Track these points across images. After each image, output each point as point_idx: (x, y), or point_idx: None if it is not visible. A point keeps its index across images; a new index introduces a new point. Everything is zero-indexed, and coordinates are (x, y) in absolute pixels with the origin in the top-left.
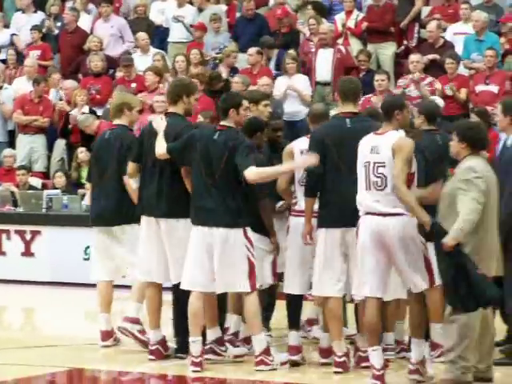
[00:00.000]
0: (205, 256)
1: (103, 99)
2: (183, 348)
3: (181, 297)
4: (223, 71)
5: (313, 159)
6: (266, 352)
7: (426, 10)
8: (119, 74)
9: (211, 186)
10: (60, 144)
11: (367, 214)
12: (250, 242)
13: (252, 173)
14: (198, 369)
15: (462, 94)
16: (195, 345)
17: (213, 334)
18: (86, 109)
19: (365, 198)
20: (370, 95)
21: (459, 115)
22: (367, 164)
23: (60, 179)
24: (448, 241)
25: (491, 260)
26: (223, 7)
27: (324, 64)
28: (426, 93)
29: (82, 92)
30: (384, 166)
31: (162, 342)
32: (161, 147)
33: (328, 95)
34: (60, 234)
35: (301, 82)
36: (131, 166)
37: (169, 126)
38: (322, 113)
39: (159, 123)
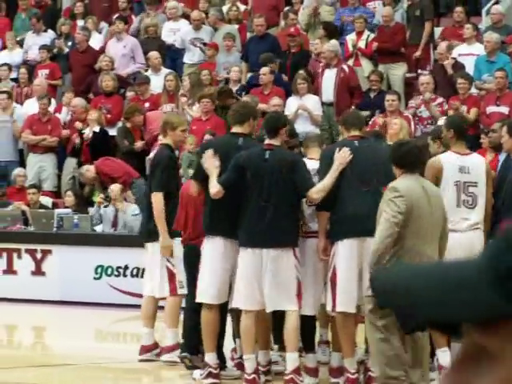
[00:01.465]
0: (256, 277)
1: (114, 118)
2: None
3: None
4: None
5: (347, 153)
6: (297, 371)
7: (437, 32)
8: (130, 94)
9: (263, 207)
10: (70, 163)
11: (453, 231)
12: (299, 261)
13: (316, 192)
14: None
15: (472, 114)
16: (249, 362)
17: (265, 355)
18: (97, 128)
19: (454, 215)
20: (380, 115)
21: (470, 136)
22: (458, 183)
23: (70, 198)
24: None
25: None
26: (237, 27)
27: (329, 84)
28: (437, 113)
29: (95, 112)
30: (476, 186)
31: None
32: (213, 187)
33: (333, 116)
34: (70, 253)
35: (312, 102)
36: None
37: (242, 146)
38: (314, 136)
39: (210, 163)
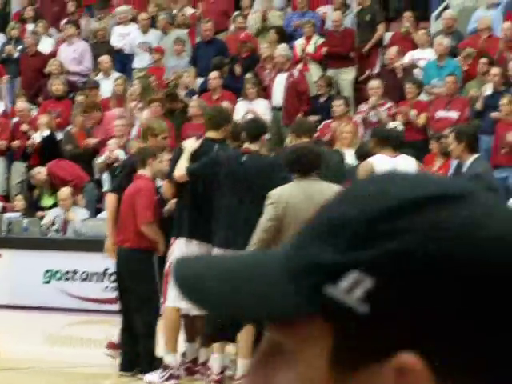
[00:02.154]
0: None
1: (64, 123)
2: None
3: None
4: (181, 94)
5: None
6: None
7: (387, 37)
8: (80, 98)
9: (237, 210)
10: (18, 166)
11: None
12: None
13: None
14: None
15: (422, 119)
16: (217, 361)
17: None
18: (47, 132)
19: None
20: (330, 121)
21: (418, 141)
22: None
23: (20, 202)
24: None
25: None
26: (186, 31)
27: (279, 89)
28: (385, 118)
29: (45, 116)
30: None
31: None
32: (180, 169)
33: (281, 120)
34: (20, 257)
35: (261, 106)
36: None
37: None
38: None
39: (189, 144)
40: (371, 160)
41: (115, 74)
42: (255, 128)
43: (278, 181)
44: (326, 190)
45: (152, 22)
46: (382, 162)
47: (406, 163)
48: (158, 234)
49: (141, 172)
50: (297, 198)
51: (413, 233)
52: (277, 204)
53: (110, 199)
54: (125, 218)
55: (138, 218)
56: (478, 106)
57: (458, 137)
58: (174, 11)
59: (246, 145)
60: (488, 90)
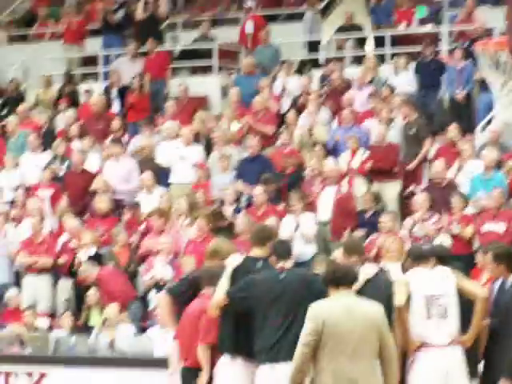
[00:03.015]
0: None
1: (109, 240)
2: None
3: None
4: (227, 211)
5: None
6: None
7: (432, 150)
8: (126, 216)
9: (282, 325)
10: (65, 284)
11: (427, 346)
12: None
13: None
14: None
15: (468, 232)
16: None
17: None
18: (93, 250)
19: (426, 328)
20: (375, 236)
21: (465, 255)
22: (427, 296)
23: (67, 320)
24: None
25: None
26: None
27: (326, 203)
28: (432, 232)
29: (90, 233)
30: (445, 297)
31: None
32: (221, 290)
33: (328, 235)
34: (67, 376)
35: (306, 221)
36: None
37: (261, 269)
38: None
39: (231, 261)
40: (407, 276)
41: (158, 190)
42: (282, 247)
43: (316, 294)
44: (365, 305)
45: (196, 138)
46: (417, 276)
47: (442, 276)
48: (206, 362)
49: (206, 291)
50: (336, 312)
51: None
52: (316, 318)
53: (162, 299)
54: (188, 336)
55: (199, 337)
56: None
57: (497, 259)
58: (219, 127)
59: (280, 264)
60: None
